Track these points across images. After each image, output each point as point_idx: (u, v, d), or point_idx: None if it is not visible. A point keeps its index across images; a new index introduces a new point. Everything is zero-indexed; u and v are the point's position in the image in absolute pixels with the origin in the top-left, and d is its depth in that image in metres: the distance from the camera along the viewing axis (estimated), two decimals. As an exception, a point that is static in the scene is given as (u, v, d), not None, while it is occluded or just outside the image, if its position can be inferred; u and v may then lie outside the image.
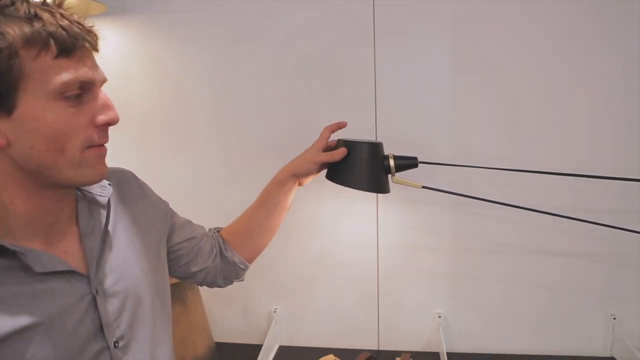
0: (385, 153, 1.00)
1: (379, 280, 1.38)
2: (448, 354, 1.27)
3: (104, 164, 0.65)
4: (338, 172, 1.00)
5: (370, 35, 1.26)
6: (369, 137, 1.30)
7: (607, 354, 1.33)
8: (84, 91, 0.59)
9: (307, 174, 0.98)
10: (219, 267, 0.97)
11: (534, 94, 1.24)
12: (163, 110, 1.37)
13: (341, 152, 0.96)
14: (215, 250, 0.96)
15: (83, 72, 0.58)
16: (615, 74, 1.21)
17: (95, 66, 0.61)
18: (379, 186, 1.00)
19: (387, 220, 1.35)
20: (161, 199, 0.90)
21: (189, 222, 0.95)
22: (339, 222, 1.37)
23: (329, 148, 1.03)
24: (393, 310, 1.39)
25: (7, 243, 0.58)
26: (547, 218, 1.14)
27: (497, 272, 1.34)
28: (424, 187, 1.02)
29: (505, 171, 1.12)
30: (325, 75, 1.30)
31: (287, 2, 1.28)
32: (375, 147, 0.99)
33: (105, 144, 0.64)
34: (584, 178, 1.07)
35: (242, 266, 0.98)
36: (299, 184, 1.03)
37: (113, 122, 0.63)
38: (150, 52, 1.34)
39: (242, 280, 1.03)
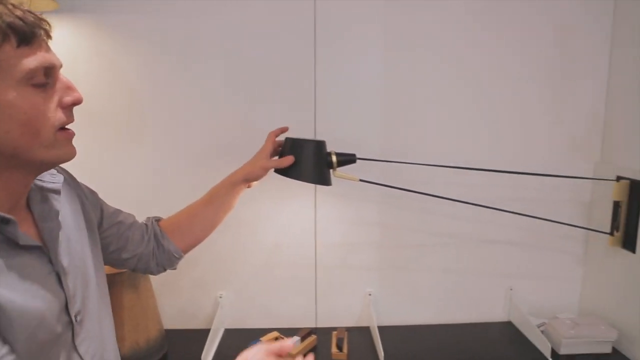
0: (327, 150, 1.15)
1: (316, 265, 1.53)
2: (378, 327, 1.44)
3: (73, 146, 0.69)
4: (287, 167, 1.13)
5: (311, 39, 1.41)
6: (310, 136, 1.44)
7: (505, 319, 1.59)
8: (48, 77, 0.64)
9: (257, 178, 1.10)
10: (153, 254, 1.01)
11: (458, 95, 1.46)
12: (111, 108, 1.41)
13: (289, 159, 1.10)
14: (146, 237, 1.00)
15: (43, 58, 0.62)
16: (539, 71, 1.47)
17: (51, 52, 0.66)
18: (323, 179, 1.14)
19: (324, 212, 1.50)
20: (89, 187, 0.93)
21: (117, 210, 0.98)
22: (280, 214, 1.50)
23: (276, 146, 1.15)
24: (329, 292, 1.55)
25: (5, 214, 0.62)
26: (456, 208, 1.36)
27: (417, 254, 1.54)
28: (360, 180, 1.18)
29: (425, 166, 1.32)
30: (268, 78, 1.42)
31: (231, 4, 1.38)
32: (319, 145, 1.14)
33: (71, 128, 0.69)
34: (488, 172, 1.30)
35: (176, 255, 1.04)
36: (248, 186, 1.13)
37: (78, 101, 0.68)
38: (100, 51, 1.38)
39: (174, 269, 1.08)
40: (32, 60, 0.60)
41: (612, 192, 1.37)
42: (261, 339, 1.36)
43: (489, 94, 1.47)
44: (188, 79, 1.42)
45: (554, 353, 1.36)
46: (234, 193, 1.09)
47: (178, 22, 1.38)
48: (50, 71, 0.64)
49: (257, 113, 1.42)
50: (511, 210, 1.31)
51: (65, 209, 0.80)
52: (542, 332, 1.42)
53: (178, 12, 1.38)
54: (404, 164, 1.34)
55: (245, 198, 1.43)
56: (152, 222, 1.04)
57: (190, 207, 1.09)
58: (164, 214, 1.10)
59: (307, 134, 1.43)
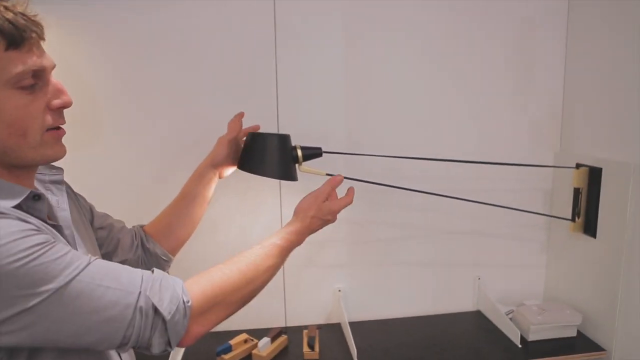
0: (292, 144, 1.12)
1: (284, 264, 1.49)
2: (349, 323, 1.42)
3: (62, 144, 0.69)
4: (250, 162, 1.09)
5: (271, 34, 1.37)
6: (273, 131, 1.41)
7: (474, 309, 1.61)
8: (37, 79, 0.62)
9: (223, 160, 1.06)
10: (141, 260, 0.99)
11: (420, 87, 1.47)
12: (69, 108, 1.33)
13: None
14: (136, 243, 0.98)
15: (33, 61, 0.61)
16: (499, 64, 1.49)
17: (43, 53, 0.64)
18: (288, 174, 1.11)
19: (290, 210, 1.46)
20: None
21: (106, 214, 0.97)
22: (245, 213, 1.46)
23: (241, 135, 1.13)
24: (297, 290, 1.52)
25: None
26: (421, 200, 1.36)
27: (385, 248, 1.53)
28: (327, 174, 1.16)
29: (389, 158, 1.31)
30: (230, 74, 1.38)
31: (193, 3, 1.33)
32: (284, 139, 1.10)
33: (63, 126, 0.69)
34: (453, 163, 1.30)
35: (164, 258, 1.01)
36: (220, 177, 1.10)
37: (67, 105, 0.67)
38: (56, 49, 1.30)
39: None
40: (20, 64, 0.60)
41: (572, 180, 1.40)
42: (230, 342, 1.32)
43: (450, 86, 1.48)
44: (150, 77, 1.36)
45: (522, 340, 1.37)
46: (204, 183, 1.06)
47: (140, 19, 1.33)
48: (39, 73, 0.63)
49: (221, 110, 1.37)
50: (475, 200, 1.31)
51: (70, 204, 0.80)
52: (511, 319, 1.44)
53: (139, 9, 1.32)
54: (369, 157, 1.33)
55: (213, 200, 1.39)
56: (137, 228, 1.02)
57: (166, 208, 1.06)
58: (135, 220, 1.05)
59: (270, 129, 1.40)
